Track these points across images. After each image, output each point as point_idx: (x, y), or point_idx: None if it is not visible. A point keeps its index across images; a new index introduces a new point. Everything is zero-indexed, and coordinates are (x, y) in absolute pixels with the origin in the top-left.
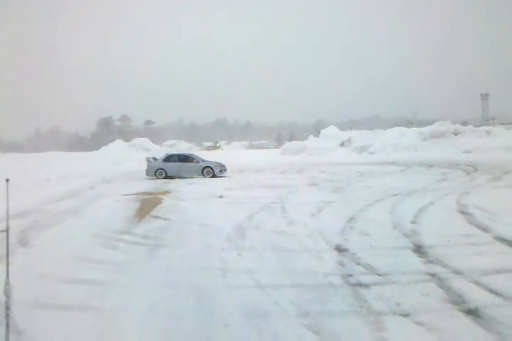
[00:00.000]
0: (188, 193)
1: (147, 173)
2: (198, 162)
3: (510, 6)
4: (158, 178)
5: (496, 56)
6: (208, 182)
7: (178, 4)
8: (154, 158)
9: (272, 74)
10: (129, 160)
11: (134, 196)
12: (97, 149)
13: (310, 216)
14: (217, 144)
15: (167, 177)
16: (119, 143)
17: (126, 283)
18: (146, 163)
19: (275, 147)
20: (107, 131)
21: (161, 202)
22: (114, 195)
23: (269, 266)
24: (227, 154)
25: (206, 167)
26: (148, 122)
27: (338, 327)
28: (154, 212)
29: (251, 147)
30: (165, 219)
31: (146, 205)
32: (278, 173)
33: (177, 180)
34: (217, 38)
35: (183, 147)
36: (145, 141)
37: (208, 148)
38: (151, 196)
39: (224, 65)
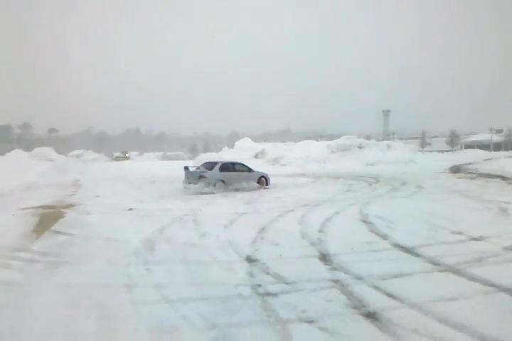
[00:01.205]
0: (93, 206)
1: (203, 187)
2: (252, 171)
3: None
4: (214, 193)
5: (397, 76)
6: (116, 193)
7: None
8: (186, 168)
9: (186, 85)
10: (28, 170)
11: (32, 210)
12: None
13: (222, 227)
14: (127, 154)
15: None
16: (18, 153)
17: (19, 305)
18: (185, 173)
19: (190, 158)
20: (5, 140)
21: (63, 216)
22: (10, 209)
23: (178, 279)
24: (139, 165)
25: (261, 176)
26: (52, 130)
27: (245, 337)
28: (55, 227)
29: (165, 158)
30: (67, 234)
31: (47, 220)
32: None
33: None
34: (110, 42)
35: (90, 157)
36: (48, 151)
37: (117, 159)
38: (53, 210)
39: (134, 73)
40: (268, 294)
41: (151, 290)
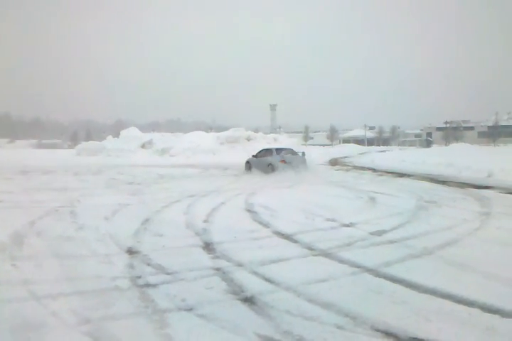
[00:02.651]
0: None
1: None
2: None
3: None
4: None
5: (284, 73)
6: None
7: None
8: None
9: (72, 67)
10: None
11: None
12: None
13: (103, 219)
14: None
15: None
16: None
17: None
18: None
19: (70, 147)
20: None
21: None
22: None
23: (49, 274)
24: (8, 154)
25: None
26: None
27: (120, 330)
28: None
29: (40, 146)
30: None
31: None
32: (71, 175)
33: None
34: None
35: None
36: None
37: None
38: None
39: (10, 47)
40: (148, 285)
41: (16, 287)
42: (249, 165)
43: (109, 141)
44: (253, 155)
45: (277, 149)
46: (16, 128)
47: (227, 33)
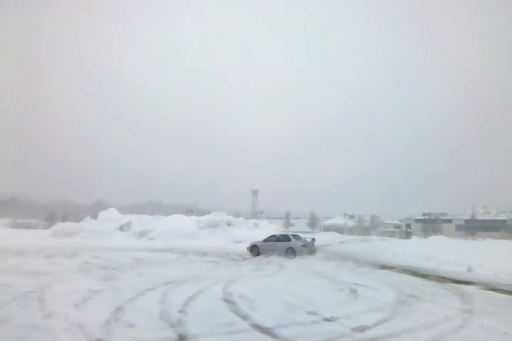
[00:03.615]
0: None
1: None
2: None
3: None
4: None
5: (266, 160)
6: None
7: None
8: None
9: (47, 145)
10: None
11: None
12: None
13: (73, 307)
14: None
15: None
16: None
17: None
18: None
19: (45, 227)
20: None
21: None
22: None
23: None
24: None
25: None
26: None
27: None
28: None
29: (15, 226)
30: None
31: None
32: (43, 257)
33: None
34: None
35: None
36: None
37: None
38: None
39: None
40: None
41: None
42: (257, 249)
43: (87, 223)
44: (263, 240)
45: (293, 235)
46: None
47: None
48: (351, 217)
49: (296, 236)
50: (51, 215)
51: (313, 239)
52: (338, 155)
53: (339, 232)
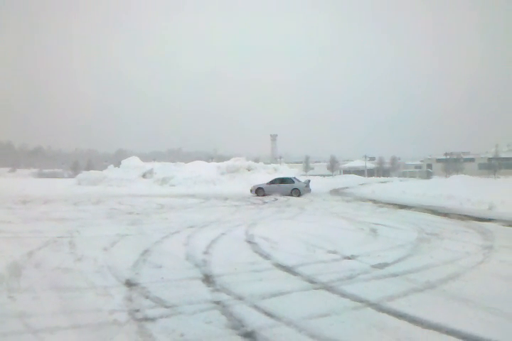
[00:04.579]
0: None
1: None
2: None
3: None
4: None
5: (285, 103)
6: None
7: None
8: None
9: (70, 97)
10: None
11: None
12: None
13: (102, 250)
14: None
15: None
16: None
17: None
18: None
19: (70, 176)
20: None
21: None
22: None
23: (46, 307)
24: (9, 183)
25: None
26: None
27: None
28: None
29: (41, 175)
30: None
31: None
32: (71, 205)
33: None
34: None
35: None
36: None
37: None
38: None
39: (14, 79)
40: (146, 319)
41: (13, 319)
42: (262, 190)
43: (110, 171)
44: (267, 183)
45: (294, 178)
46: (17, 157)
47: (229, 64)
48: (371, 159)
49: (296, 179)
50: (75, 164)
51: (309, 181)
52: (357, 95)
53: (359, 175)
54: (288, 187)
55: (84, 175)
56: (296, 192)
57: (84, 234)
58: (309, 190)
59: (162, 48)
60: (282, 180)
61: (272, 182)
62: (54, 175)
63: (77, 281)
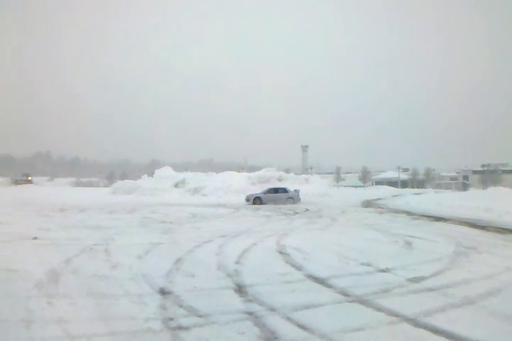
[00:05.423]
0: None
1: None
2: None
3: None
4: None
5: (316, 113)
6: (20, 220)
7: None
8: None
9: (106, 110)
10: None
11: None
12: None
13: (136, 258)
14: (29, 178)
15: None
16: None
17: None
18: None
19: (106, 185)
20: None
21: None
22: None
23: (83, 313)
24: (48, 191)
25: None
26: None
27: None
28: None
29: (78, 184)
30: None
31: None
32: (106, 213)
33: None
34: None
35: None
36: None
37: (17, 182)
38: None
39: (45, 92)
40: (180, 328)
41: (51, 325)
42: (259, 199)
43: (144, 180)
44: (262, 193)
45: (286, 188)
46: (56, 167)
47: (258, 74)
48: (405, 170)
49: (288, 189)
50: (111, 174)
51: (299, 190)
52: (391, 105)
53: (392, 186)
54: (283, 196)
55: (119, 184)
56: (290, 201)
57: (119, 241)
58: (299, 199)
59: (195, 63)
60: (277, 190)
61: (268, 191)
62: (90, 184)
63: (112, 288)
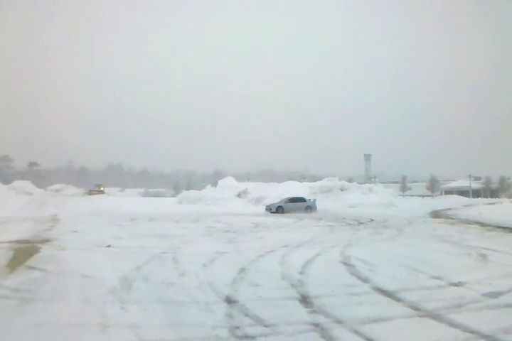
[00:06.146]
0: (70, 242)
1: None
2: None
3: None
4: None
5: (378, 121)
6: (94, 229)
7: None
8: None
9: (171, 123)
10: (6, 204)
11: (7, 244)
12: None
13: (202, 267)
14: (101, 188)
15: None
16: None
17: None
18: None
19: (172, 195)
20: None
21: (38, 252)
22: None
23: (154, 319)
24: (119, 201)
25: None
26: (33, 164)
27: None
28: (29, 262)
29: (147, 195)
30: (41, 270)
31: (21, 254)
32: (173, 222)
33: None
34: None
35: (70, 192)
36: (27, 184)
37: (91, 192)
38: (28, 244)
39: (117, 109)
40: (246, 337)
41: (125, 330)
42: (282, 209)
43: (208, 190)
44: (285, 202)
45: (303, 197)
46: (126, 178)
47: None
48: (477, 178)
49: (306, 198)
50: (176, 184)
51: (315, 199)
52: (456, 111)
53: (463, 195)
54: (302, 205)
55: (184, 194)
56: (309, 209)
57: (186, 250)
58: (316, 208)
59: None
60: (296, 199)
61: (288, 201)
62: (158, 194)
63: (180, 295)
